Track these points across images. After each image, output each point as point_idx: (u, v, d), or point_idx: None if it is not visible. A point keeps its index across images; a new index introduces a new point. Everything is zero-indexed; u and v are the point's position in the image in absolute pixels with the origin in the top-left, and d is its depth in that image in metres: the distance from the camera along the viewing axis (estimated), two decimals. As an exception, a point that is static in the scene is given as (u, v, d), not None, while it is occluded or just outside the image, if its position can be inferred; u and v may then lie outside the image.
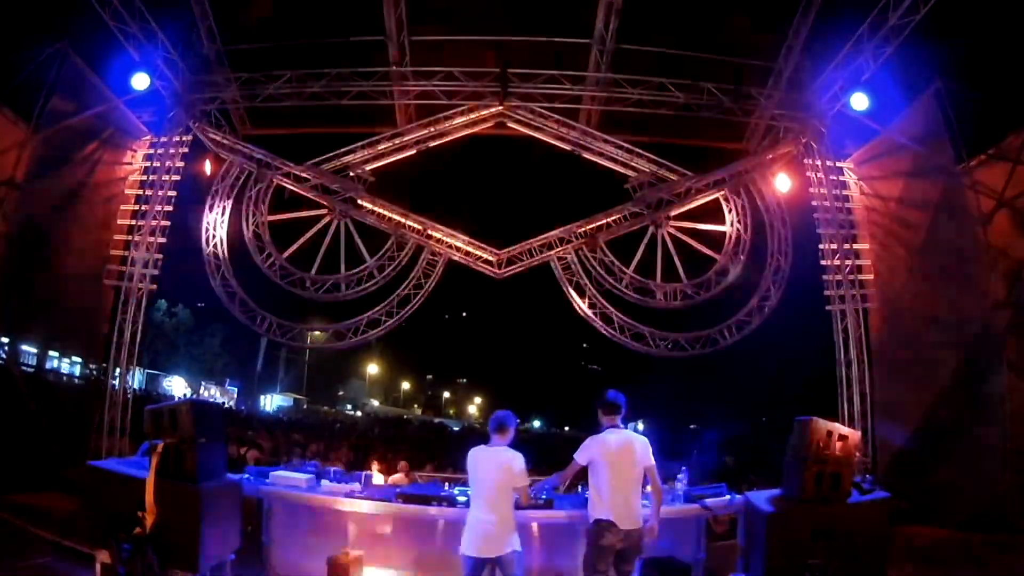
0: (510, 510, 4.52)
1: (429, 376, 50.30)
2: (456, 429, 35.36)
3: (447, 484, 6.49)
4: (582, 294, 10.87)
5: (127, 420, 9.41)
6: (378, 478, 7.52)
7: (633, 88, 10.13)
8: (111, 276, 9.92)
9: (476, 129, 10.84)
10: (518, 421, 4.80)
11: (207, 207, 10.86)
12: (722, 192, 10.84)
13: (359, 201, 10.86)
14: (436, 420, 40.81)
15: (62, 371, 9.38)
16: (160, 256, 9.95)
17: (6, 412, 7.98)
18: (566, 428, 39.37)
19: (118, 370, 9.55)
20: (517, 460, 4.56)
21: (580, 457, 4.67)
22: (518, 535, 4.54)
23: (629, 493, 4.58)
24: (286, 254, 10.98)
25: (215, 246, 10.83)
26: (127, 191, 10.28)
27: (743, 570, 4.89)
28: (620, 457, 4.60)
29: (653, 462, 4.70)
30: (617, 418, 4.76)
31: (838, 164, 10.28)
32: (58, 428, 8.67)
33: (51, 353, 9.16)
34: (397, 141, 10.90)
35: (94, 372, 9.82)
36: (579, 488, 7.52)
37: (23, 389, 8.15)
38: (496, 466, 4.53)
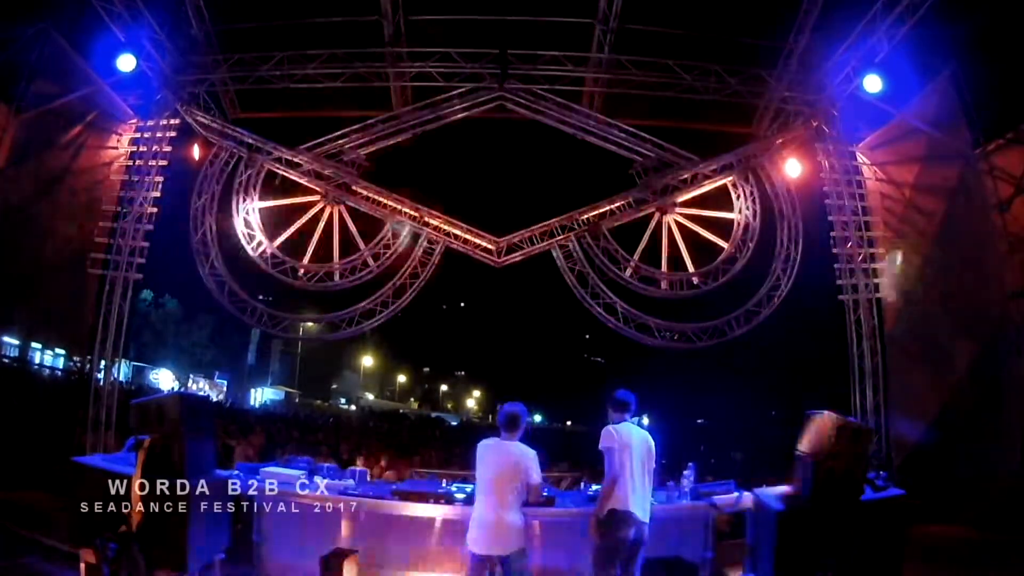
0: (519, 507, 4.40)
1: (426, 369, 50.26)
2: (454, 424, 35.29)
3: (444, 481, 6.39)
4: (585, 283, 10.68)
5: (112, 414, 9.25)
6: None
7: (638, 70, 9.93)
8: (96, 265, 9.69)
9: (474, 112, 10.61)
10: (529, 415, 4.70)
11: (195, 193, 10.65)
12: (730, 178, 10.65)
13: (353, 187, 10.67)
14: (433, 414, 40.75)
15: (45, 363, 9.22)
16: (147, 244, 9.75)
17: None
18: (568, 423, 39.36)
19: (103, 362, 9.39)
20: (532, 457, 4.46)
21: (608, 444, 4.57)
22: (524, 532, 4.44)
23: (646, 485, 4.61)
24: (277, 242, 10.81)
25: (204, 233, 10.60)
26: (112, 177, 10.05)
27: (751, 570, 4.81)
28: (641, 449, 4.61)
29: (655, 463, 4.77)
30: (627, 416, 4.77)
31: (850, 148, 10.11)
32: (41, 422, 8.56)
33: (33, 344, 9.01)
34: (393, 125, 10.68)
35: (78, 364, 9.69)
36: (581, 485, 7.34)
37: (4, 382, 7.93)
38: (509, 461, 4.41)
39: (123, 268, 9.55)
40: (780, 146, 10.44)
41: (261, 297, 10.81)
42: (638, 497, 4.50)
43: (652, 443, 4.70)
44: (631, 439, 4.59)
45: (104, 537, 3.98)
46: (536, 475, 4.44)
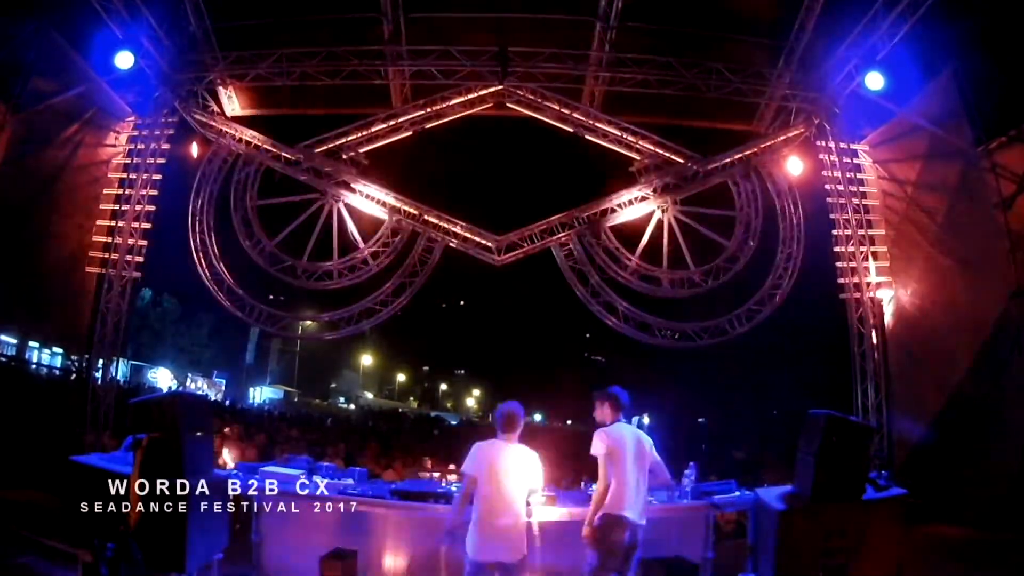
0: (523, 512, 4.32)
1: (425, 368, 50.03)
2: (454, 423, 35.20)
3: (443, 480, 6.36)
4: (585, 282, 10.61)
5: (111, 414, 9.20)
6: None
7: (638, 67, 9.88)
8: (94, 263, 9.66)
9: (474, 110, 10.55)
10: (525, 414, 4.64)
11: (194, 191, 10.55)
12: (731, 176, 10.58)
13: (352, 185, 10.58)
14: (432, 413, 40.61)
15: (42, 362, 9.15)
16: (145, 242, 9.72)
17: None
18: (568, 422, 39.21)
19: (101, 361, 9.33)
20: (536, 460, 4.39)
21: (599, 450, 4.54)
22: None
23: (642, 487, 4.56)
24: (276, 240, 10.71)
25: (202, 232, 10.53)
26: (110, 174, 9.99)
27: (752, 570, 4.80)
28: (635, 450, 4.55)
29: (658, 457, 4.72)
30: (621, 416, 4.74)
31: (852, 146, 10.07)
32: (38, 422, 8.46)
33: (31, 343, 8.92)
34: (392, 122, 10.60)
35: (76, 363, 9.62)
36: (582, 484, 7.31)
37: (1, 381, 7.88)
38: (514, 464, 4.31)
39: (121, 266, 9.51)
40: (782, 144, 10.40)
41: (272, 296, 10.71)
42: (633, 500, 4.45)
43: (647, 441, 4.66)
44: (624, 440, 4.54)
45: (102, 537, 3.93)
46: (540, 479, 4.38)
